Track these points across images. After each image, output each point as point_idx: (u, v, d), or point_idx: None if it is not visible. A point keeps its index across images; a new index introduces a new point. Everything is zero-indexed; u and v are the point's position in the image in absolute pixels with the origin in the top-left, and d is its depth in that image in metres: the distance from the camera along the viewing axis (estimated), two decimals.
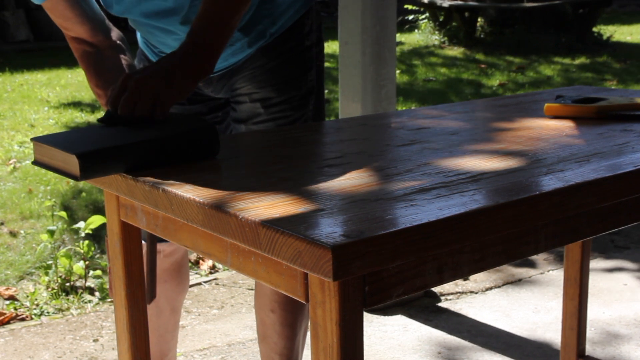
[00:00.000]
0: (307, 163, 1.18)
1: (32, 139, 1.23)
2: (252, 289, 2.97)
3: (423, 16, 10.45)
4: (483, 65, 8.43)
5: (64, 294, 2.88)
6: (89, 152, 1.10)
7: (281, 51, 1.61)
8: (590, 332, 2.57)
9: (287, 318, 1.76)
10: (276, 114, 1.62)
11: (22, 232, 3.47)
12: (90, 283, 2.96)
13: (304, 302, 0.89)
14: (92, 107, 6.23)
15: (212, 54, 1.33)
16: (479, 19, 10.06)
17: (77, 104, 6.33)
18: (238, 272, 1.02)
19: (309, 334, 2.16)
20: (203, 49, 1.32)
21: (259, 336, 1.84)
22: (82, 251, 2.97)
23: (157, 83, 1.26)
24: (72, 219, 3.52)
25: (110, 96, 1.27)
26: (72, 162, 1.11)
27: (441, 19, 10.10)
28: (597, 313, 2.74)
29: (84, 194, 3.91)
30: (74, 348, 2.53)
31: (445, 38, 9.93)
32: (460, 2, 9.87)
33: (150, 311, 1.70)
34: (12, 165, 4.45)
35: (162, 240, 1.69)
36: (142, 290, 1.28)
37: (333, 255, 0.79)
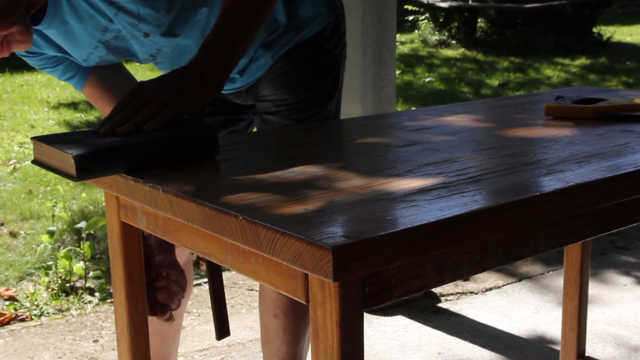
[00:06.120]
0: (307, 164, 1.18)
1: (32, 138, 1.23)
2: (252, 290, 2.97)
3: (423, 16, 10.45)
4: (483, 66, 8.43)
5: (64, 294, 2.88)
6: (85, 152, 1.10)
7: (299, 54, 1.63)
8: (590, 333, 2.57)
9: (290, 324, 1.76)
10: (292, 112, 1.65)
11: (22, 232, 3.47)
12: (90, 284, 2.96)
13: (305, 304, 0.89)
14: (92, 108, 6.22)
15: (222, 73, 1.33)
16: (478, 20, 10.06)
17: (76, 105, 6.33)
18: (238, 273, 1.02)
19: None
20: (213, 68, 1.32)
21: (262, 339, 1.84)
22: (82, 252, 2.97)
23: (168, 94, 1.26)
24: (72, 219, 3.52)
25: (118, 103, 1.27)
26: (69, 162, 1.11)
27: (441, 19, 10.10)
28: (597, 314, 2.74)
29: (84, 195, 3.91)
30: (73, 349, 2.53)
31: (445, 38, 9.93)
32: (460, 3, 9.88)
33: None
34: (12, 166, 4.45)
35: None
36: (142, 290, 1.28)
37: (333, 256, 0.79)
